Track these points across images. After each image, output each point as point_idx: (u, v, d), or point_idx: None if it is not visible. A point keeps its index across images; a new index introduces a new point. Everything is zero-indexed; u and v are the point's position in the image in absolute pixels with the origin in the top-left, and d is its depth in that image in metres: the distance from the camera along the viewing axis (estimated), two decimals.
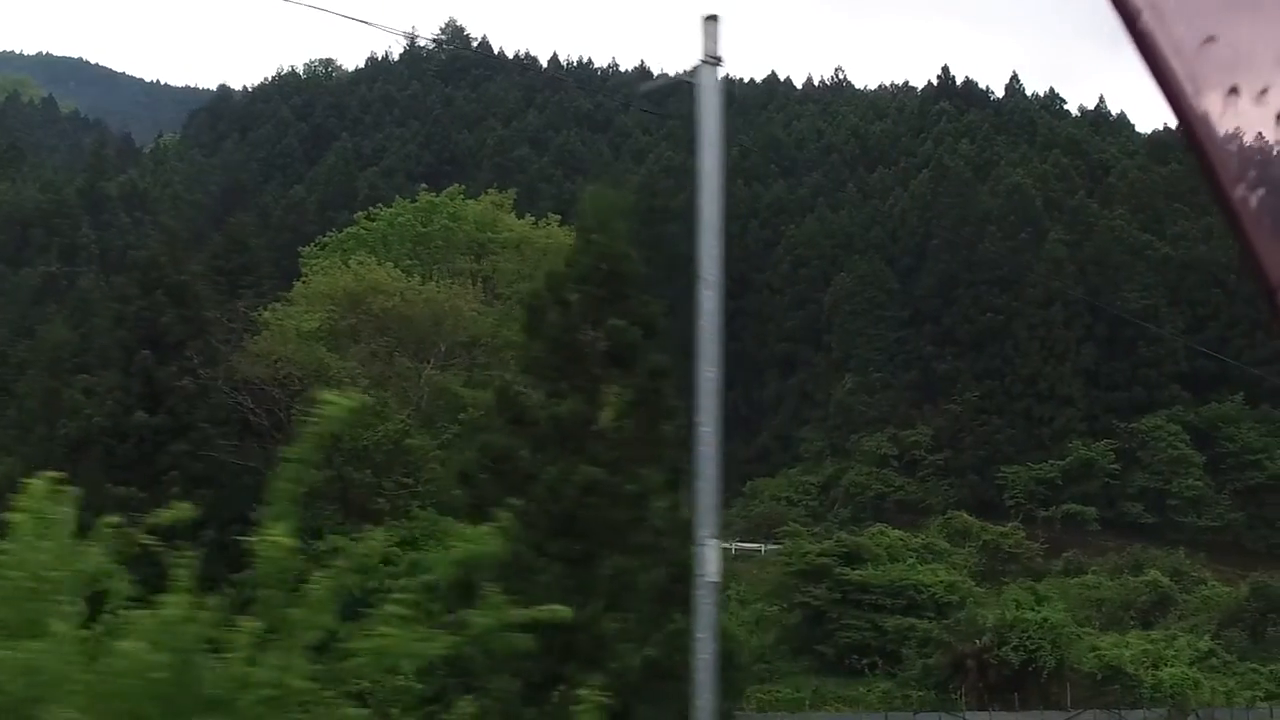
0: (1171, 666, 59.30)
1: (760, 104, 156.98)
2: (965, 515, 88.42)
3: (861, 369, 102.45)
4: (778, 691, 55.34)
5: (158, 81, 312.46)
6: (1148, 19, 1.41)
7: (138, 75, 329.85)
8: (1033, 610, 56.48)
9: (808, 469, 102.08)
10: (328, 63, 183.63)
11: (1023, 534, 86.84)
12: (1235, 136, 1.43)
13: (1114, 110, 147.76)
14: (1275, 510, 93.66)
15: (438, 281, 55.54)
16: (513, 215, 64.65)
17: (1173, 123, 1.51)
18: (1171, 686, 56.83)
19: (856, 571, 59.94)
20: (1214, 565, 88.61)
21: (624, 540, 17.01)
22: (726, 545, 79.02)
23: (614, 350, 17.21)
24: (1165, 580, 76.38)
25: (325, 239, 62.45)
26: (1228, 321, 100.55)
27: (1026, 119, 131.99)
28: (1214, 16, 1.45)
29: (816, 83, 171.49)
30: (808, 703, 53.85)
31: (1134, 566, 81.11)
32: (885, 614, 58.84)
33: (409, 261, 59.05)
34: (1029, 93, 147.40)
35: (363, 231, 61.87)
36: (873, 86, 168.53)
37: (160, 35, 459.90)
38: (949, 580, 62.49)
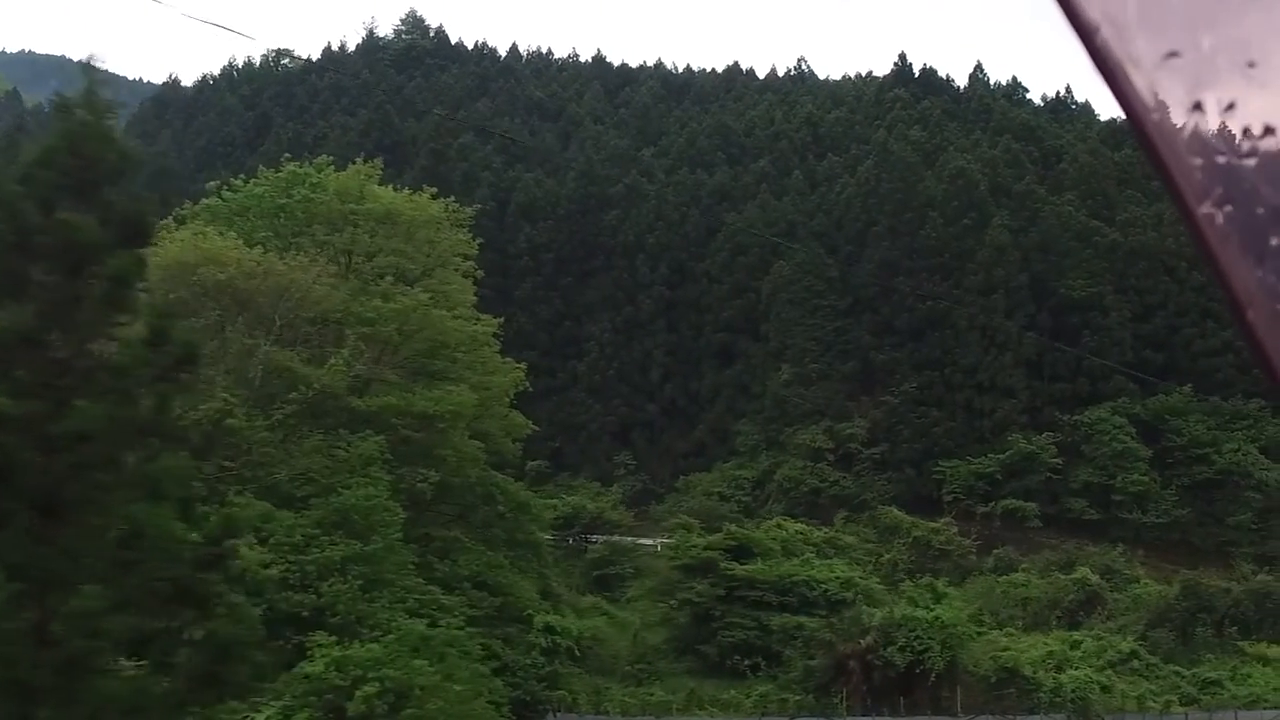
0: (1076, 669, 55.26)
1: (718, 93, 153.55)
2: (894, 510, 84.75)
3: (798, 360, 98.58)
4: (649, 694, 51.49)
5: (141, 79, 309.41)
6: (1106, 34, 1.38)
7: (121, 73, 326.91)
8: (926, 609, 52.51)
9: (742, 463, 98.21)
10: (284, 53, 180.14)
11: (954, 530, 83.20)
12: (1200, 152, 1.40)
13: (1080, 99, 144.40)
14: (1224, 506, 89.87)
15: (286, 254, 51.68)
16: (386, 187, 60.85)
17: (1137, 143, 1.46)
18: (1073, 690, 52.83)
19: (744, 566, 55.95)
20: (1159, 563, 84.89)
21: (53, 496, 13.10)
22: (650, 541, 75.21)
23: (65, 252, 13.32)
24: (1094, 578, 72.52)
25: (183, 211, 58.62)
26: (1177, 310, 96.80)
27: (984, 106, 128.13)
28: (1176, 30, 1.40)
29: (782, 73, 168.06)
30: (675, 707, 49.97)
31: (1065, 564, 77.28)
32: (772, 612, 54.89)
33: (264, 234, 55.29)
34: (993, 82, 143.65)
35: (220, 203, 58.07)
36: (836, 77, 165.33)
37: (144, 33, 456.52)
38: (845, 576, 58.44)
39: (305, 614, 41.31)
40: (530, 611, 52.50)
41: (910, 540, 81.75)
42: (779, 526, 66.51)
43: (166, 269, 50.45)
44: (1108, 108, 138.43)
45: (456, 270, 61.23)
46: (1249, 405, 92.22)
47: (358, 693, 38.49)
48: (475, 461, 54.03)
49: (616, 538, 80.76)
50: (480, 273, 62.38)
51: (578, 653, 51.35)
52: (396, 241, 57.63)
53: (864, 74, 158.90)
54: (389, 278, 53.52)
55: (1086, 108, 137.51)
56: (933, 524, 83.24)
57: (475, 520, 55.30)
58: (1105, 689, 55.98)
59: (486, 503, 55.76)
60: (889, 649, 49.59)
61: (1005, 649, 60.33)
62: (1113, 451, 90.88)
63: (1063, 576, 74.53)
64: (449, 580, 50.95)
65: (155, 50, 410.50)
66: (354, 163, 59.74)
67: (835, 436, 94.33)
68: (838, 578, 57.69)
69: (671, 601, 58.41)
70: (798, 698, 50.32)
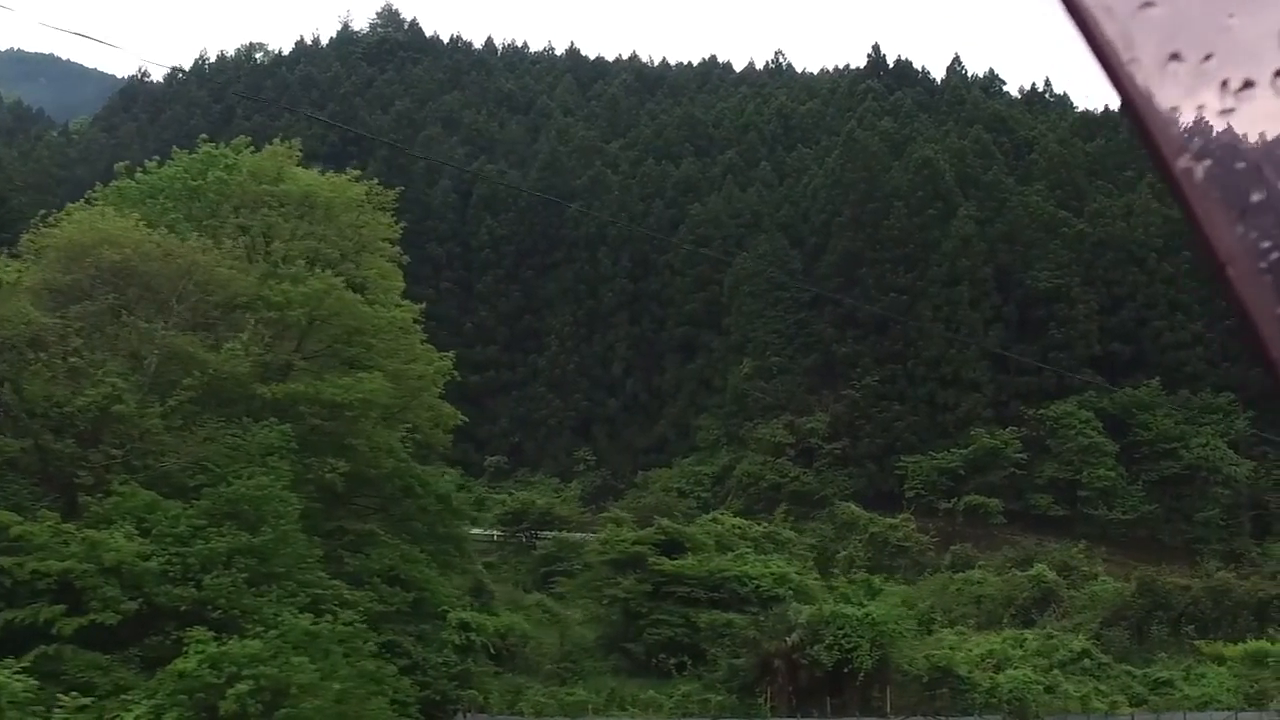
0: (1015, 668, 53.07)
1: (693, 87, 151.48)
2: (852, 506, 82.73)
3: (759, 353, 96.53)
4: (569, 694, 49.37)
5: (128, 77, 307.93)
6: None
7: (109, 71, 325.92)
8: (858, 605, 50.37)
9: (702, 459, 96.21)
10: (258, 46, 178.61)
11: (912, 526, 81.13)
12: (1177, 106, 1.40)
13: (1058, 91, 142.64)
14: (1192, 502, 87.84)
15: (190, 237, 49.63)
16: (313, 169, 58.83)
17: (1110, 98, 1.48)
18: (1011, 690, 50.67)
19: (673, 561, 53.77)
20: (1126, 560, 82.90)
21: None
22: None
23: None
24: (1050, 575, 70.40)
25: (93, 193, 56.58)
26: (1145, 302, 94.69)
27: (958, 98, 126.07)
28: None
29: (760, 67, 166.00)
30: (591, 707, 47.80)
31: (1023, 561, 75.18)
32: (700, 608, 52.73)
33: (173, 216, 53.25)
34: (970, 75, 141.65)
35: (132, 185, 55.98)
36: (814, 70, 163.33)
37: (128, 30, 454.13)
38: (780, 572, 56.18)
39: (183, 608, 39.28)
40: (445, 608, 50.47)
41: (867, 536, 79.71)
42: (715, 521, 64.35)
43: (62, 250, 48.61)
44: (1084, 99, 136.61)
45: (382, 255, 59.15)
46: (1218, 399, 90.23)
47: (230, 691, 36.49)
48: (391, 452, 51.91)
49: (565, 534, 78.70)
50: (406, 258, 60.17)
51: (493, 650, 49.25)
52: (315, 225, 55.56)
53: (843, 67, 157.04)
54: (301, 261, 51.40)
55: (1063, 100, 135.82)
56: (890, 520, 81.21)
57: (394, 513, 53.31)
58: (1050, 689, 53.85)
59: (406, 495, 53.75)
60: (816, 647, 47.34)
61: (950, 648, 58.29)
62: (1079, 446, 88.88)
63: (1019, 574, 72.44)
64: (360, 575, 48.96)
65: (141, 47, 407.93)
66: (270, 144, 57.58)
67: (796, 431, 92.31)
68: (772, 573, 55.39)
69: (602, 598, 56.32)
70: (719, 698, 48.18)
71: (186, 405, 46.86)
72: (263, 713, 37.14)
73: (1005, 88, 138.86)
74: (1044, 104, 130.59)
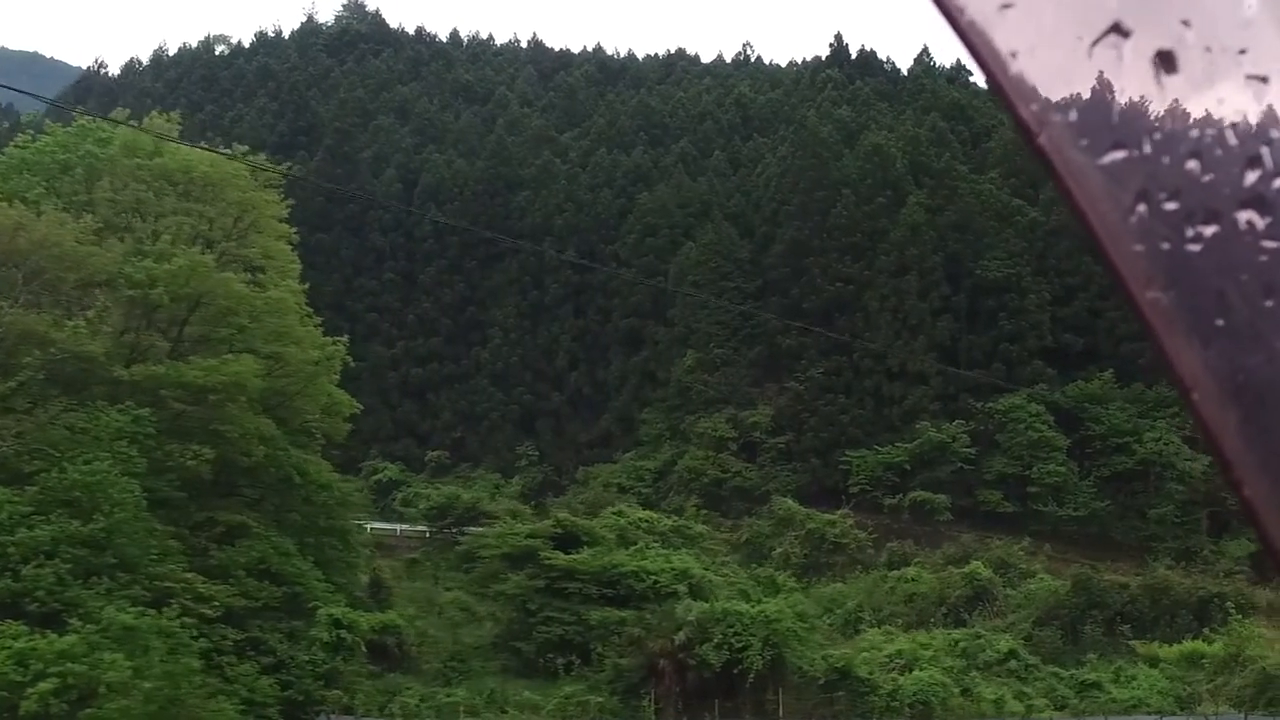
0: (922, 670, 50.16)
1: (658, 77, 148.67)
2: (789, 501, 79.92)
3: (703, 345, 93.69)
4: (449, 695, 46.54)
5: None
6: (1049, 133, 1.41)
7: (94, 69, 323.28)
8: (756, 602, 47.48)
9: (645, 453, 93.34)
10: (220, 39, 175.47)
11: (851, 522, 78.36)
12: (1143, 239, 1.45)
13: None
14: (1146, 499, 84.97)
15: (44, 212, 46.97)
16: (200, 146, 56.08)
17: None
18: (915, 693, 47.79)
19: (567, 556, 50.87)
20: (1079, 558, 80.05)
21: None
22: None
23: None
24: (985, 573, 67.63)
25: None
26: (1099, 292, 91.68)
27: (919, 87, 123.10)
28: (1119, 128, 1.43)
29: (729, 59, 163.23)
30: (462, 708, 44.96)
31: (961, 558, 72.38)
32: (593, 605, 49.83)
33: (38, 191, 50.48)
34: (937, 65, 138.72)
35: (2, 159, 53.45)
36: (783, 63, 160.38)
37: (119, 28, 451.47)
38: (680, 568, 53.21)
39: None
40: (318, 603, 47.63)
41: (804, 533, 76.93)
42: (618, 514, 61.60)
43: None
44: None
45: (274, 235, 56.42)
46: (1173, 392, 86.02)
47: (31, 690, 33.75)
48: (265, 440, 49.04)
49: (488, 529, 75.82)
50: (296, 236, 57.38)
51: (365, 649, 46.50)
52: (196, 203, 52.87)
53: (810, 59, 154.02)
54: (167, 237, 48.69)
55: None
56: (829, 516, 78.42)
57: (271, 504, 50.52)
58: (965, 691, 51.01)
59: (285, 485, 50.96)
60: (704, 646, 44.56)
61: (871, 648, 55.52)
62: (1028, 441, 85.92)
63: (955, 571, 69.68)
64: (227, 568, 46.16)
65: (114, 44, 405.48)
66: (153, 113, 54.90)
67: (739, 425, 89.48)
68: (672, 569, 52.51)
69: (496, 595, 53.44)
70: (601, 699, 45.29)
71: (32, 386, 44.16)
72: (67, 713, 34.40)
73: (972, 78, 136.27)
74: None
